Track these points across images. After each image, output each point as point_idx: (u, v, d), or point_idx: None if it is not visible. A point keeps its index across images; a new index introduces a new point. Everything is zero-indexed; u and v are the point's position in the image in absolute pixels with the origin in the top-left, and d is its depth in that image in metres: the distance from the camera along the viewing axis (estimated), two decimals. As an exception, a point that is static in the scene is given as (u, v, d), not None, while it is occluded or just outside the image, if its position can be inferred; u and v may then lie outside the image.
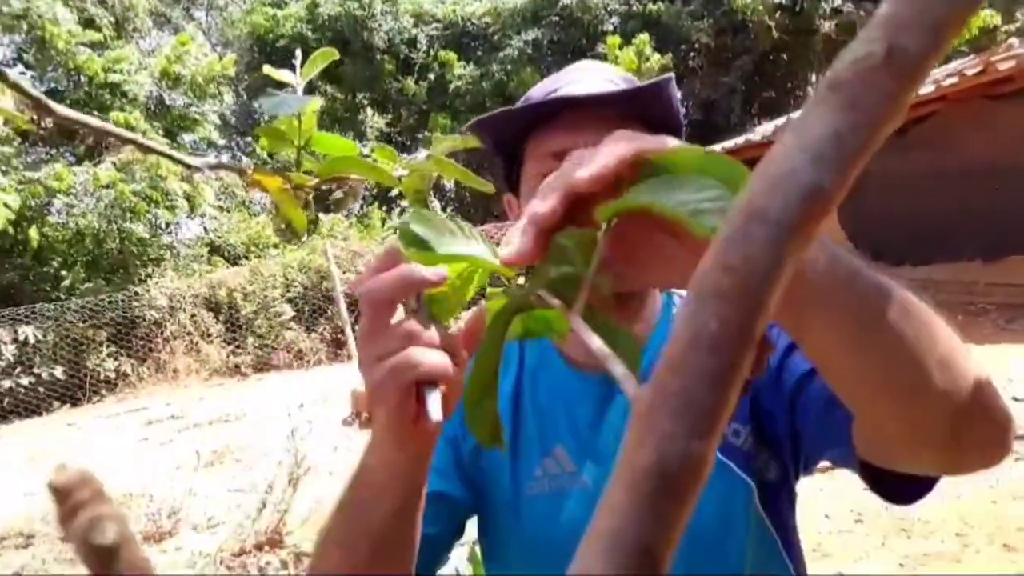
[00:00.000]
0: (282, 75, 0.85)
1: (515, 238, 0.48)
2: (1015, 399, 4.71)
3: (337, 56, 0.90)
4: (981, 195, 7.52)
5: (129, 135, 0.60)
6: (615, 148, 0.46)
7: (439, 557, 0.92)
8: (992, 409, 0.60)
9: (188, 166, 0.65)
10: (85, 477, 0.20)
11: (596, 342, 0.43)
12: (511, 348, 1.02)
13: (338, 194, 0.89)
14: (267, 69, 0.87)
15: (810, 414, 0.81)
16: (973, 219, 7.63)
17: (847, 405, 0.62)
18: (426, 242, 0.48)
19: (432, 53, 17.72)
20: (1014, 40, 8.21)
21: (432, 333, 0.55)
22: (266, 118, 0.83)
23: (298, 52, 0.88)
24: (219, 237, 14.73)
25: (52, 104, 0.56)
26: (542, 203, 0.47)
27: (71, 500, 0.20)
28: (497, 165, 1.02)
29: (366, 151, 0.86)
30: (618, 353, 0.43)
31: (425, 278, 0.53)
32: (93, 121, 0.58)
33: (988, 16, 14.79)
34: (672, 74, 0.92)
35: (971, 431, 0.60)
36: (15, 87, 0.54)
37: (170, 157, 0.63)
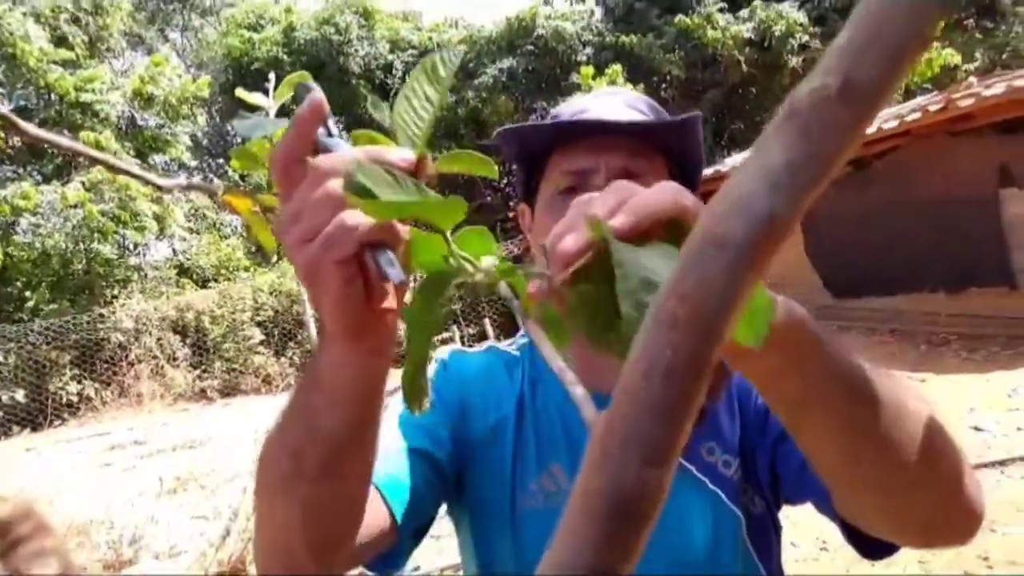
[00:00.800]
0: (255, 98, 0.86)
1: (539, 264, 0.47)
2: (976, 428, 4.79)
3: (309, 78, 0.90)
4: (943, 228, 7.71)
5: (99, 155, 0.60)
6: (660, 201, 0.45)
7: (421, 512, 0.85)
8: (971, 501, 0.63)
9: (159, 187, 0.64)
10: (27, 510, 0.20)
11: (550, 353, 0.43)
12: (514, 358, 1.03)
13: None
14: (240, 92, 0.87)
15: (792, 463, 0.83)
16: (935, 251, 7.81)
17: (830, 489, 0.65)
18: (371, 191, 0.45)
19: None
20: (973, 79, 8.47)
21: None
22: (239, 140, 0.83)
23: (271, 75, 0.88)
24: (188, 259, 14.57)
25: (21, 123, 0.55)
26: (572, 238, 0.44)
27: (12, 533, 0.20)
28: (517, 175, 1.02)
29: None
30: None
31: (392, 161, 0.49)
32: (63, 141, 0.58)
33: (949, 55, 15.28)
34: (699, 113, 0.94)
35: (949, 522, 0.63)
36: (-18, 104, 0.53)
37: (140, 178, 0.63)
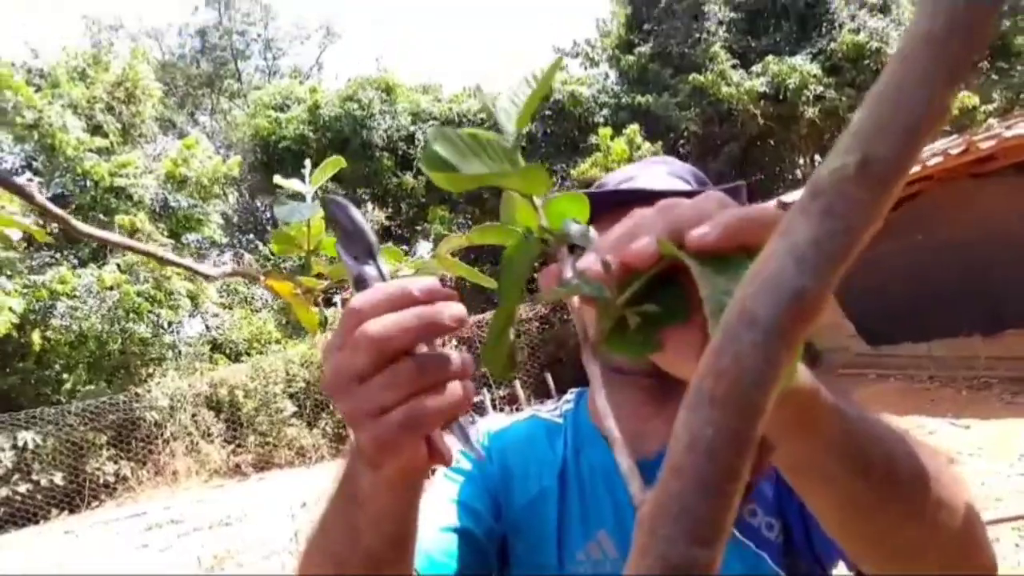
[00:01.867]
0: (292, 184, 0.90)
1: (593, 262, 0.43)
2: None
3: (344, 164, 0.94)
4: (974, 270, 7.60)
5: (148, 249, 0.63)
6: (756, 220, 0.39)
7: None
8: (983, 561, 0.61)
9: (206, 276, 0.67)
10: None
11: (604, 408, 0.42)
12: (557, 425, 1.02)
13: (347, 295, 0.92)
14: (278, 179, 0.91)
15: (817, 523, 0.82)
16: (969, 294, 7.68)
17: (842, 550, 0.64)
18: (450, 164, 0.44)
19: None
20: (993, 121, 8.45)
21: (447, 355, 0.49)
22: (268, 217, 0.86)
23: (307, 162, 0.92)
24: (221, 334, 14.77)
25: (76, 223, 0.59)
26: (641, 243, 0.41)
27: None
28: None
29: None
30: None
31: (445, 325, 0.48)
32: (114, 237, 0.61)
33: (967, 97, 15.31)
34: (744, 182, 0.96)
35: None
36: (44, 210, 0.57)
37: (189, 269, 0.66)
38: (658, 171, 1.00)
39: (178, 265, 0.66)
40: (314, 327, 0.75)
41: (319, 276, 0.82)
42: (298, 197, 0.89)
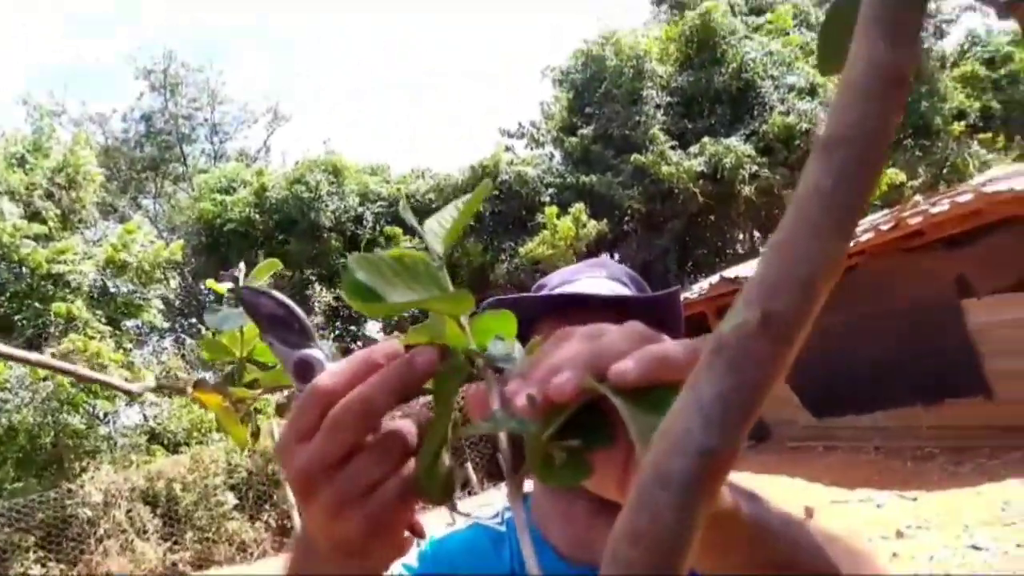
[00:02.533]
0: (223, 287, 0.88)
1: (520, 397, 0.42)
2: (975, 547, 4.67)
3: (279, 266, 0.93)
4: (911, 342, 7.84)
5: (68, 367, 0.61)
6: (678, 358, 0.40)
7: None
8: None
9: (129, 393, 0.65)
10: None
11: (529, 553, 0.41)
12: (499, 534, 0.99)
13: (282, 400, 0.90)
14: (211, 283, 0.90)
15: None
16: (908, 366, 7.90)
17: None
18: (373, 290, 0.42)
19: (378, 228, 18.31)
20: (919, 197, 8.91)
21: (411, 414, 0.48)
22: (211, 298, 0.84)
23: (241, 265, 0.91)
24: (159, 424, 14.22)
25: (-11, 343, 0.56)
26: (565, 378, 0.40)
27: None
28: None
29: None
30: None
31: (423, 372, 0.46)
32: (35, 357, 0.59)
33: (894, 174, 16.19)
34: (679, 287, 0.98)
35: None
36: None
37: (113, 387, 0.63)
38: (597, 274, 1.02)
39: (101, 383, 0.64)
40: (243, 443, 0.72)
41: (251, 385, 0.80)
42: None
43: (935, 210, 7.13)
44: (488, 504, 1.00)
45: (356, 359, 0.47)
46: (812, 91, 17.32)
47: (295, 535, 0.54)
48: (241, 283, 0.91)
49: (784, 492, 6.79)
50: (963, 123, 18.85)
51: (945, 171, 18.84)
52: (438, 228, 0.52)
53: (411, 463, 0.47)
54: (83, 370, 0.62)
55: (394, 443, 0.46)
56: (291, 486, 0.47)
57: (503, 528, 1.00)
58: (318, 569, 0.50)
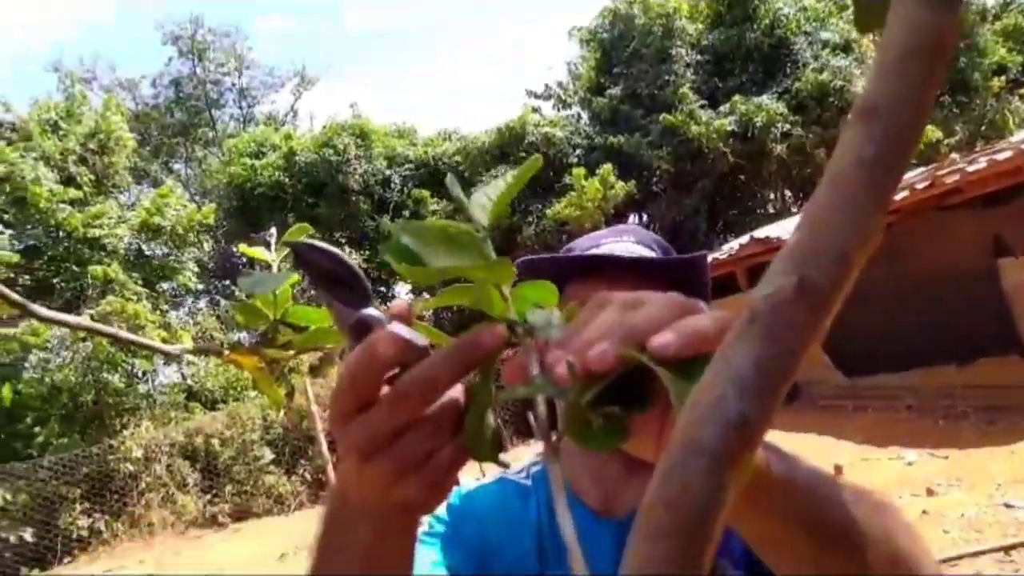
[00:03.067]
0: (258, 252, 0.89)
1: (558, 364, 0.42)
2: (1007, 505, 4.63)
3: (310, 230, 0.94)
4: (946, 301, 7.71)
5: (108, 330, 0.62)
6: (712, 331, 0.40)
7: None
8: None
9: (167, 355, 0.66)
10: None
11: (557, 487, 0.42)
12: (526, 488, 1.01)
13: (315, 362, 0.92)
14: (244, 247, 0.91)
15: None
16: (941, 325, 7.79)
17: None
18: (417, 256, 0.43)
19: (406, 191, 18.30)
20: (955, 155, 8.67)
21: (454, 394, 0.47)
22: (243, 261, 0.85)
23: (272, 229, 0.92)
24: (196, 382, 14.56)
25: (36, 308, 0.58)
26: (602, 350, 0.40)
27: None
28: None
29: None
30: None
31: (491, 346, 0.45)
32: (75, 320, 0.60)
33: (929, 131, 15.73)
34: (706, 251, 0.98)
35: None
36: (3, 298, 0.56)
37: (149, 348, 0.65)
38: (625, 239, 1.02)
39: (139, 345, 0.65)
40: (278, 402, 0.74)
41: (285, 346, 0.82)
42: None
43: (972, 168, 6.95)
44: (517, 459, 1.02)
45: (458, 352, 0.46)
46: (847, 47, 16.82)
47: (329, 489, 0.55)
48: (274, 248, 0.93)
49: (813, 450, 6.78)
50: (1003, 78, 18.19)
51: (983, 128, 18.27)
52: (485, 201, 0.52)
53: (451, 450, 0.47)
54: (123, 333, 0.63)
55: (449, 413, 0.47)
56: (344, 450, 0.47)
57: (529, 482, 1.02)
58: (367, 523, 0.51)
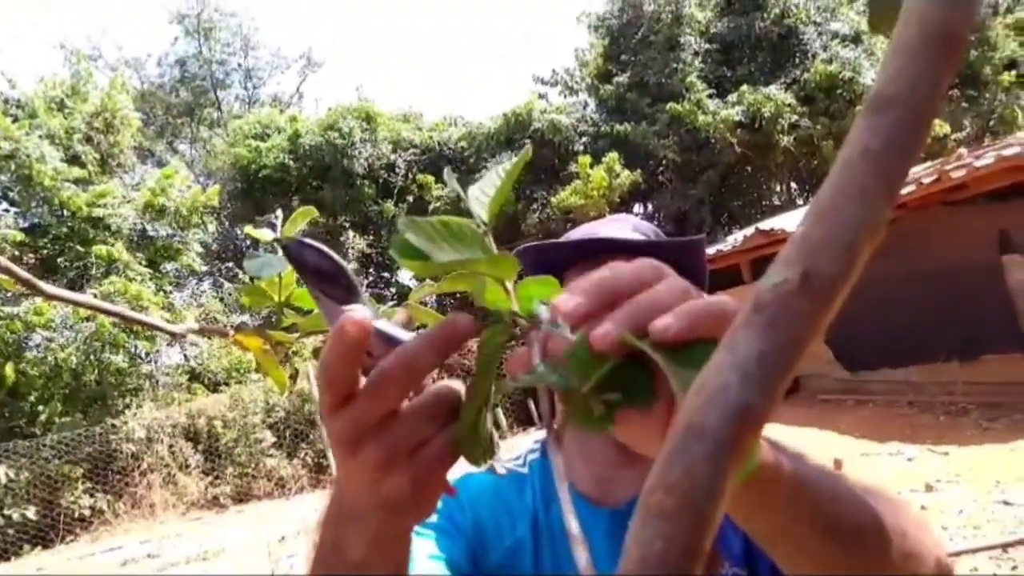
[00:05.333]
0: (263, 234, 0.89)
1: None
2: (1005, 503, 4.65)
3: (315, 213, 0.94)
4: (950, 296, 7.70)
5: (114, 309, 0.63)
6: (715, 314, 0.40)
7: None
8: None
9: (172, 334, 0.67)
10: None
11: (570, 515, 0.43)
12: (522, 476, 1.02)
13: (319, 345, 0.92)
14: (249, 229, 0.91)
15: None
16: (944, 321, 7.78)
17: None
18: (421, 251, 0.44)
19: (410, 176, 18.28)
20: (963, 150, 8.63)
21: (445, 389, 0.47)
22: (247, 243, 0.85)
23: (279, 212, 0.92)
24: (199, 364, 14.60)
25: (43, 286, 0.58)
26: (603, 328, 0.40)
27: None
28: None
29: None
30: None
31: (466, 330, 0.46)
32: (81, 298, 0.61)
33: (937, 125, 15.63)
34: (704, 236, 0.99)
35: None
36: (8, 272, 0.56)
37: (154, 327, 0.65)
38: (621, 227, 1.03)
39: (146, 324, 0.66)
40: (283, 384, 0.74)
41: (289, 329, 0.82)
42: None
43: (979, 163, 6.92)
44: (514, 448, 1.02)
45: (434, 336, 0.46)
46: (856, 38, 16.70)
47: (331, 479, 0.54)
48: (279, 231, 0.93)
49: (813, 444, 6.79)
50: (1013, 73, 18.05)
51: (992, 123, 18.16)
52: (481, 196, 0.53)
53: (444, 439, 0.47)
54: (129, 311, 0.64)
55: (440, 403, 0.47)
56: (333, 444, 0.47)
57: (525, 470, 1.02)
58: (359, 527, 0.51)
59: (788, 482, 0.52)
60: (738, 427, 0.26)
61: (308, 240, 0.54)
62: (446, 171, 0.56)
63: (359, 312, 0.45)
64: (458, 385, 0.48)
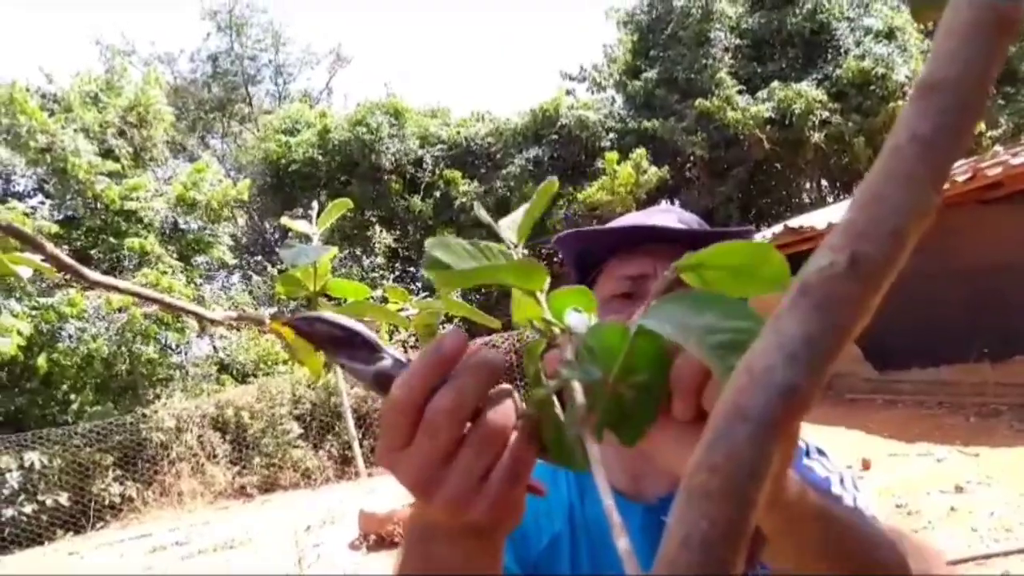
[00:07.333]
0: (299, 225, 0.91)
1: None
2: (1040, 506, 4.56)
3: (351, 205, 0.95)
4: (983, 295, 7.57)
5: (155, 295, 0.64)
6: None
7: None
8: None
9: (211, 321, 0.68)
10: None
11: (608, 500, 0.43)
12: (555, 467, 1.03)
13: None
14: (285, 220, 0.93)
15: None
16: (977, 321, 7.65)
17: None
18: (447, 264, 0.45)
19: (437, 172, 18.33)
20: (999, 147, 8.46)
21: (507, 408, 0.47)
22: (276, 237, 0.87)
23: (314, 204, 0.93)
24: (228, 355, 14.80)
25: (87, 272, 0.60)
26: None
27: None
28: (571, 276, 1.05)
29: (377, 293, 0.90)
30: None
31: (499, 365, 0.46)
32: (123, 285, 0.62)
33: (973, 122, 15.29)
34: (753, 227, 0.98)
35: None
36: (53, 258, 0.58)
37: (193, 313, 0.66)
38: (666, 217, 1.02)
39: (186, 311, 0.67)
40: (317, 372, 0.75)
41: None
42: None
43: (1015, 161, 6.77)
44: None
45: (425, 361, 0.46)
46: (890, 34, 16.41)
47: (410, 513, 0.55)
48: (314, 222, 0.94)
49: (841, 444, 6.71)
50: (1053, 69, 17.63)
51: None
52: (512, 225, 0.55)
53: (513, 459, 0.47)
54: (168, 298, 0.65)
55: (492, 429, 0.46)
56: (409, 491, 0.47)
57: None
58: (449, 548, 0.51)
59: (813, 512, 0.53)
60: (783, 409, 0.26)
61: (313, 313, 0.54)
62: (476, 203, 0.59)
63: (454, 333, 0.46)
64: (507, 405, 0.47)
